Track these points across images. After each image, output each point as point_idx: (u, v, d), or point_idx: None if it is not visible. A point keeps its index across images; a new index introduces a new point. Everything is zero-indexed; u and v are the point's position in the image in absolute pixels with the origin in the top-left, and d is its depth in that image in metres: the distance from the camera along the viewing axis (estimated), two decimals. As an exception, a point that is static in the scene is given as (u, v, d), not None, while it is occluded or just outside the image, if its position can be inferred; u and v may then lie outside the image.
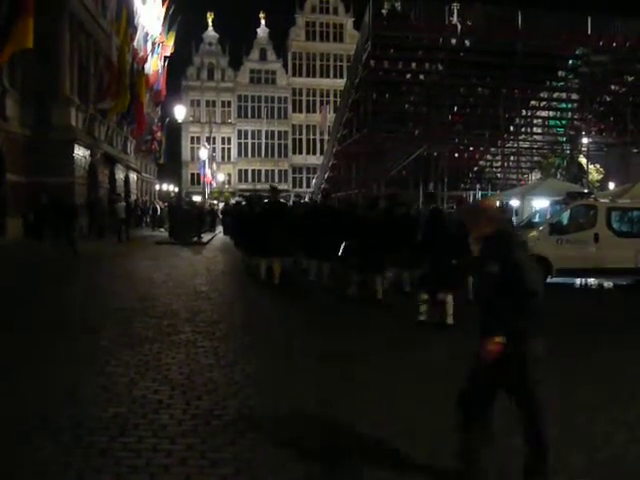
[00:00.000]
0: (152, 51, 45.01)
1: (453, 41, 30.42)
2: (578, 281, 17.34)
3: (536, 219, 18.84)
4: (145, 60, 42.81)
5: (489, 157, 38.40)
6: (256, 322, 10.46)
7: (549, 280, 16.43)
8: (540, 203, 20.81)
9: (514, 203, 24.02)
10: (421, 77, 33.28)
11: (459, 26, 31.28)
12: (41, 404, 5.92)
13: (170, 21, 50.83)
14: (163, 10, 49.00)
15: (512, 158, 34.22)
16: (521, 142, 33.88)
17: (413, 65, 33.03)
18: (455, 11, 32.15)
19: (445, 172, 29.81)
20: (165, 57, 51.43)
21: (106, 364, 7.35)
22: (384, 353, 8.28)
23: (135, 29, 39.31)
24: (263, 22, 74.88)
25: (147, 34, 43.99)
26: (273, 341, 8.97)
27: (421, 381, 7.02)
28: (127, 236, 29.48)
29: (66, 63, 29.37)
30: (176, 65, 63.09)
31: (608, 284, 17.02)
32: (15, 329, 9.38)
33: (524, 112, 34.27)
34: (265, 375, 7.12)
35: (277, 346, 8.64)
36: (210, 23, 73.83)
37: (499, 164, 35.57)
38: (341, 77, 67.72)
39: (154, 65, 46.26)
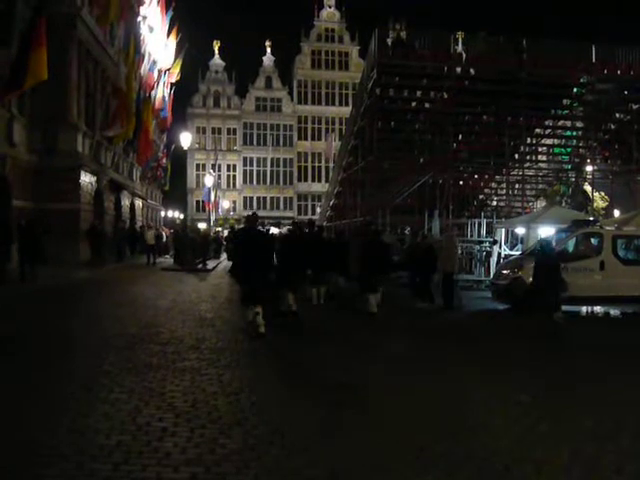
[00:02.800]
0: (158, 78, 45.29)
1: (458, 69, 30.55)
2: (584, 309, 17.26)
3: (542, 247, 18.76)
4: (152, 87, 43.07)
5: (494, 185, 38.37)
6: (261, 349, 10.40)
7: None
8: (545, 231, 20.71)
9: (519, 231, 23.94)
10: (426, 105, 33.38)
11: (464, 55, 31.48)
12: (43, 431, 5.86)
13: (177, 49, 51.26)
14: (170, 38, 49.42)
15: (517, 186, 34.16)
16: (526, 170, 33.78)
17: (418, 93, 33.15)
18: (460, 40, 32.42)
19: (450, 200, 29.75)
20: (171, 84, 51.73)
21: (110, 391, 7.30)
22: (385, 380, 8.22)
23: (142, 57, 39.58)
24: (269, 50, 75.60)
25: (154, 62, 44.33)
26: (278, 369, 8.91)
27: (426, 403, 6.96)
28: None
29: (73, 90, 29.53)
30: (182, 92, 63.43)
31: (615, 312, 16.94)
32: (16, 352, 9.36)
33: (529, 140, 34.27)
34: (270, 403, 7.06)
35: (282, 374, 8.58)
36: (216, 51, 74.65)
37: (504, 192, 35.53)
38: (346, 105, 68.19)
39: (160, 92, 46.50)
